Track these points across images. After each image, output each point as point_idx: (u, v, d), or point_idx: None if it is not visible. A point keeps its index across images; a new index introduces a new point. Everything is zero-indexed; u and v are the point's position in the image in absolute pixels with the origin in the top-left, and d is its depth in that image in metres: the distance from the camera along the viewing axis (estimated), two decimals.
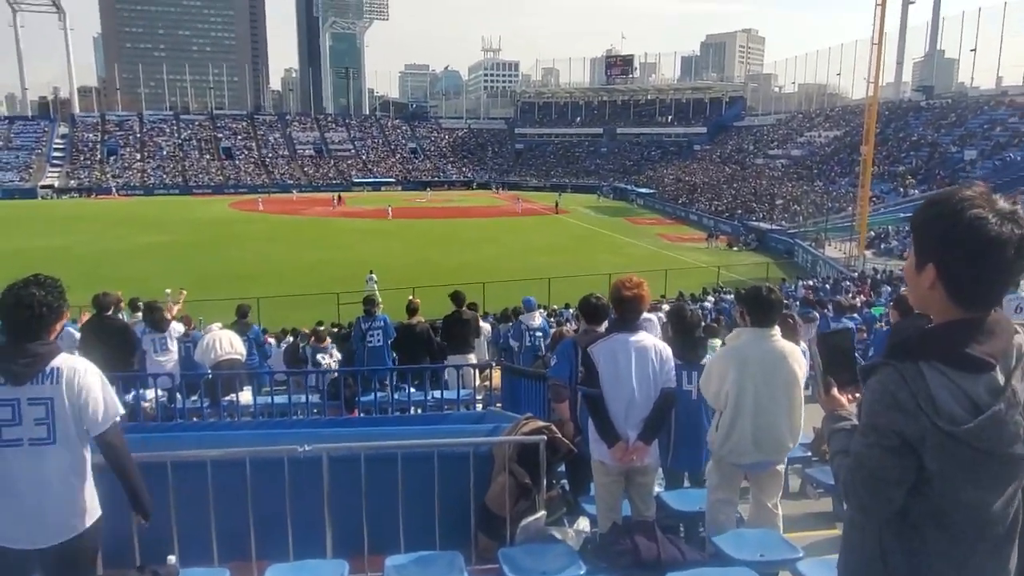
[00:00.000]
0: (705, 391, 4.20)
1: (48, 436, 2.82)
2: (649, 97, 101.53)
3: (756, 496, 4.30)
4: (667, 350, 4.19)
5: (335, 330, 16.04)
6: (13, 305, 2.83)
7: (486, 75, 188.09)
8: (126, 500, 3.14)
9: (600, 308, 4.85)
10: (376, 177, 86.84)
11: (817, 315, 12.42)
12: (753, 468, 4.17)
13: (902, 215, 41.00)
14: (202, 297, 19.92)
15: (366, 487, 3.86)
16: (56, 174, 77.51)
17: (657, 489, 4.73)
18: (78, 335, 8.00)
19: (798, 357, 4.15)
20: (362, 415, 7.46)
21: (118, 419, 3.01)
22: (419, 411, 7.78)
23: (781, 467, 4.31)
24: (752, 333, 4.10)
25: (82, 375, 2.88)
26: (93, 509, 3.02)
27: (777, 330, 4.15)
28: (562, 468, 4.96)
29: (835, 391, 1.94)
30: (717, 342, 6.94)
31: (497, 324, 14.17)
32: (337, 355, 10.54)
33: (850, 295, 19.89)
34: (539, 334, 9.97)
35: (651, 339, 4.19)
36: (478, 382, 9.03)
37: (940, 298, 1.64)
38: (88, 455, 2.98)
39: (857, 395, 1.87)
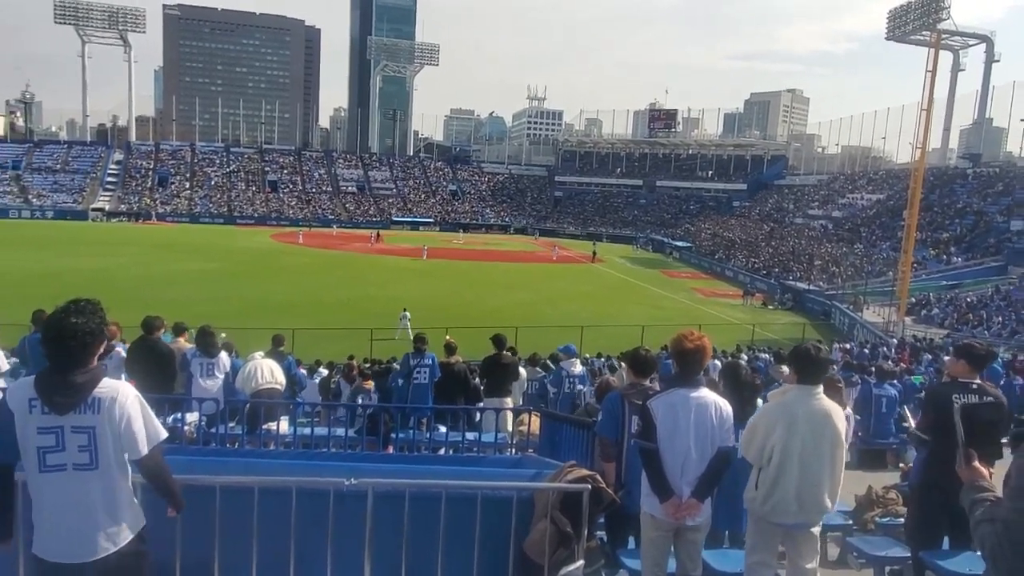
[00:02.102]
0: (747, 446, 4.14)
1: (91, 462, 2.90)
2: (690, 151, 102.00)
3: (793, 559, 4.21)
4: (727, 408, 4.15)
5: (367, 366, 16.15)
6: (56, 335, 2.88)
7: (530, 122, 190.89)
8: (170, 523, 3.26)
9: (649, 362, 4.86)
10: (415, 217, 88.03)
11: (858, 379, 12.21)
12: (794, 528, 4.10)
13: (944, 282, 40.30)
14: (239, 325, 20.25)
15: (408, 525, 3.85)
16: (107, 198, 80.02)
17: None
18: (124, 355, 8.18)
19: (842, 417, 4.14)
20: (396, 452, 7.47)
21: (159, 444, 3.07)
22: (451, 451, 7.77)
23: (817, 529, 4.25)
24: (799, 390, 4.08)
25: (123, 403, 2.94)
26: (136, 522, 3.10)
27: (821, 388, 4.14)
28: (600, 520, 4.91)
29: (976, 463, 1.93)
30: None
31: (525, 368, 14.15)
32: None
33: (889, 361, 19.49)
34: (578, 380, 9.93)
35: (712, 396, 4.15)
36: (511, 427, 9.00)
37: None
38: (128, 475, 3.07)
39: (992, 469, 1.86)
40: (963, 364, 4.59)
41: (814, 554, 4.22)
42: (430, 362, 9.28)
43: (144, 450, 2.98)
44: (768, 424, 4.04)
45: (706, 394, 4.12)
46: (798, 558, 4.17)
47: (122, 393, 2.97)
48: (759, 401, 6.75)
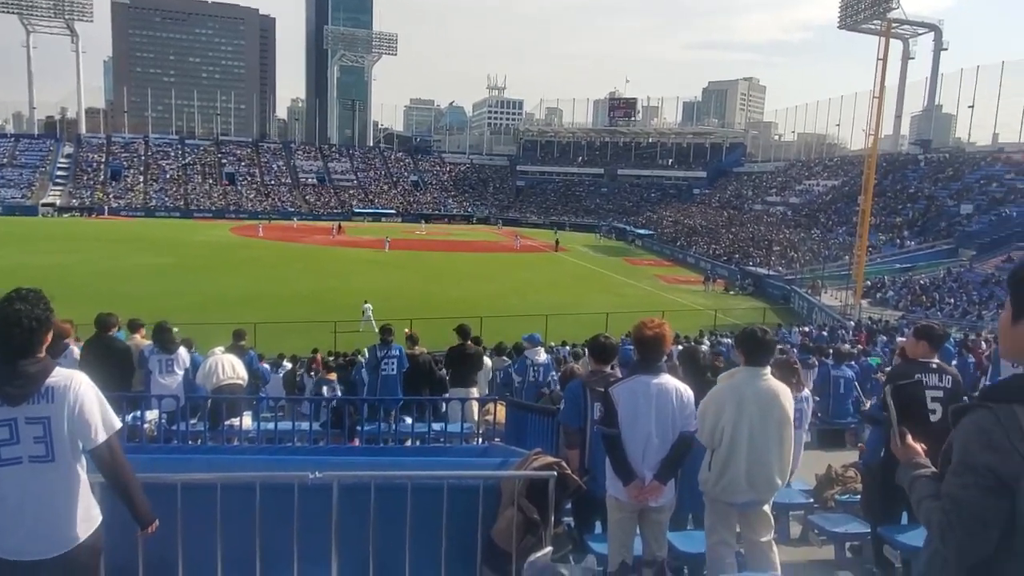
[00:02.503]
0: (699, 429, 4.22)
1: (47, 454, 2.84)
2: (651, 140, 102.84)
3: (748, 536, 4.32)
4: (688, 393, 4.23)
5: (331, 359, 16.01)
6: (2, 324, 2.81)
7: (490, 112, 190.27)
8: (131, 520, 3.14)
9: (608, 348, 4.90)
10: (377, 208, 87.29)
11: (816, 361, 12.47)
12: (745, 507, 4.21)
13: (898, 265, 41.36)
14: (199, 320, 19.91)
15: (374, 516, 3.84)
16: (58, 193, 77.81)
17: None
18: (78, 354, 7.98)
19: (789, 397, 4.25)
20: (363, 444, 7.43)
21: (114, 433, 3.00)
22: (418, 442, 7.75)
23: (768, 506, 4.36)
24: (747, 372, 4.19)
25: (76, 390, 2.89)
26: (92, 519, 3.03)
27: (769, 369, 4.24)
28: (568, 506, 4.95)
29: (910, 440, 1.98)
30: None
31: (491, 358, 14.16)
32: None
33: (846, 343, 19.94)
34: (544, 370, 9.97)
35: (673, 382, 4.22)
36: (477, 416, 9.02)
37: None
38: (85, 468, 2.99)
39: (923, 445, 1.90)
40: (923, 345, 4.72)
41: (768, 529, 4.34)
42: (397, 353, 9.24)
43: (99, 438, 2.91)
44: (718, 405, 4.13)
45: (667, 380, 4.19)
46: (753, 534, 4.28)
47: (75, 380, 2.92)
48: None
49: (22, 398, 2.80)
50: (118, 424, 3.05)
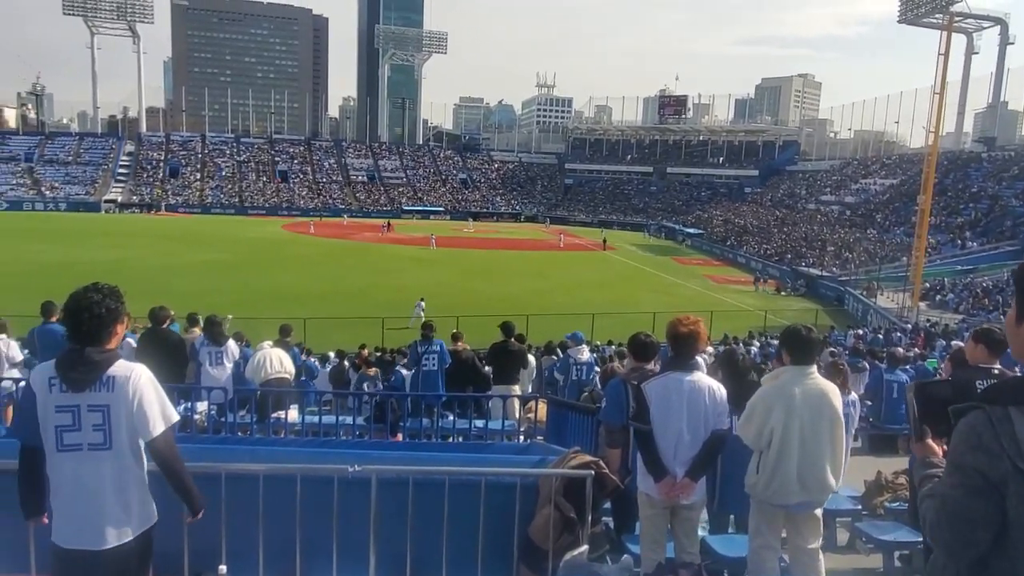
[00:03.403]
0: (744, 431, 4.14)
1: (104, 442, 2.93)
2: (701, 138, 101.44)
3: (795, 541, 4.21)
4: (722, 391, 4.18)
5: (379, 354, 16.20)
6: (74, 309, 2.94)
7: (539, 110, 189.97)
8: (178, 510, 3.22)
9: (649, 346, 4.85)
10: (426, 206, 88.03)
11: (866, 365, 12.13)
12: (797, 508, 4.10)
13: (959, 267, 39.96)
14: (250, 315, 20.38)
15: (412, 511, 3.88)
16: (119, 189, 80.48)
17: (702, 532, 4.66)
18: (135, 345, 8.24)
19: (838, 395, 4.15)
20: (406, 440, 7.50)
21: (171, 426, 3.08)
22: (461, 439, 7.80)
23: (820, 511, 4.24)
24: (793, 371, 4.10)
25: (136, 382, 2.97)
26: (147, 516, 3.10)
27: (815, 368, 4.14)
28: (607, 505, 4.92)
29: (929, 440, 1.95)
30: None
31: (540, 357, 14.14)
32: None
33: (903, 347, 19.36)
34: (585, 368, 9.93)
35: (707, 380, 4.19)
36: (519, 414, 9.02)
37: None
38: (144, 461, 3.07)
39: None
40: (982, 349, 4.54)
41: (817, 535, 4.23)
42: (438, 349, 9.30)
43: (156, 430, 2.99)
44: (765, 407, 4.04)
45: (700, 378, 4.15)
46: (800, 539, 4.18)
47: (136, 372, 3.00)
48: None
49: (85, 384, 2.90)
50: (176, 417, 3.15)
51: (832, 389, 4.12)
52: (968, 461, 1.62)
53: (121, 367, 2.98)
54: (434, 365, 9.14)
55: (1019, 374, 1.90)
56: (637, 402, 4.15)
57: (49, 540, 2.99)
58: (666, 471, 4.02)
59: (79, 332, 2.95)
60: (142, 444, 3.03)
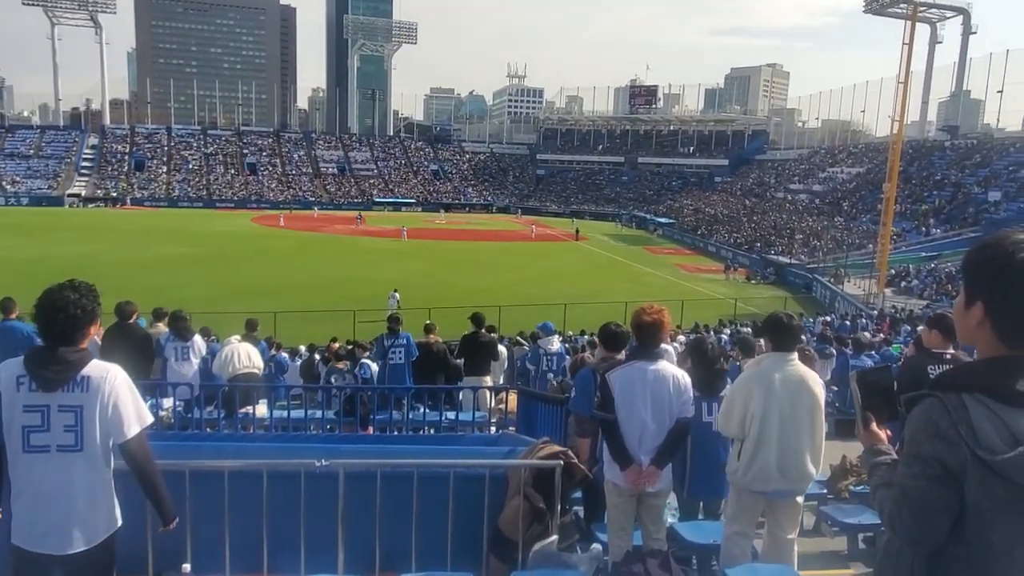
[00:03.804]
0: (726, 418, 4.15)
1: (76, 443, 2.84)
2: (672, 128, 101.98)
3: (772, 529, 4.24)
4: (686, 380, 4.21)
5: (349, 347, 16.09)
6: (48, 308, 2.85)
7: (510, 100, 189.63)
8: (141, 508, 3.16)
9: (619, 335, 4.87)
10: (397, 197, 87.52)
11: (833, 351, 12.32)
12: (776, 496, 4.12)
13: (923, 254, 40.73)
14: (219, 310, 20.12)
15: (381, 504, 3.86)
16: (83, 183, 78.86)
17: (671, 520, 4.70)
18: (99, 341, 8.08)
19: (819, 382, 4.17)
20: (376, 432, 7.47)
21: (145, 428, 3.00)
22: (432, 431, 7.79)
23: (800, 498, 4.26)
24: (774, 357, 4.13)
25: (112, 382, 2.89)
26: (114, 519, 3.03)
27: (796, 355, 4.17)
28: (577, 494, 4.94)
29: (874, 426, 1.97)
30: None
31: (511, 348, 14.16)
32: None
33: (868, 333, 19.70)
34: (556, 359, 9.96)
35: (671, 368, 4.21)
36: (492, 404, 9.02)
37: (987, 335, 1.69)
38: (111, 463, 3.00)
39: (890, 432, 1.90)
40: (936, 334, 4.61)
41: (795, 524, 4.25)
42: (405, 342, 9.27)
43: (130, 432, 2.91)
44: (745, 393, 4.06)
45: (664, 366, 4.17)
46: (777, 528, 4.20)
47: (112, 373, 2.93)
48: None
49: (57, 384, 2.81)
50: (150, 419, 3.06)
51: (812, 376, 4.15)
52: (926, 450, 1.63)
53: (96, 367, 2.90)
54: (400, 358, 9.11)
55: (972, 359, 1.92)
56: (601, 391, 4.17)
57: (9, 542, 2.89)
58: (631, 459, 4.04)
59: (52, 332, 2.86)
60: (111, 446, 2.95)
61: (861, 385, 2.04)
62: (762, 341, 4.63)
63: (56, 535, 2.86)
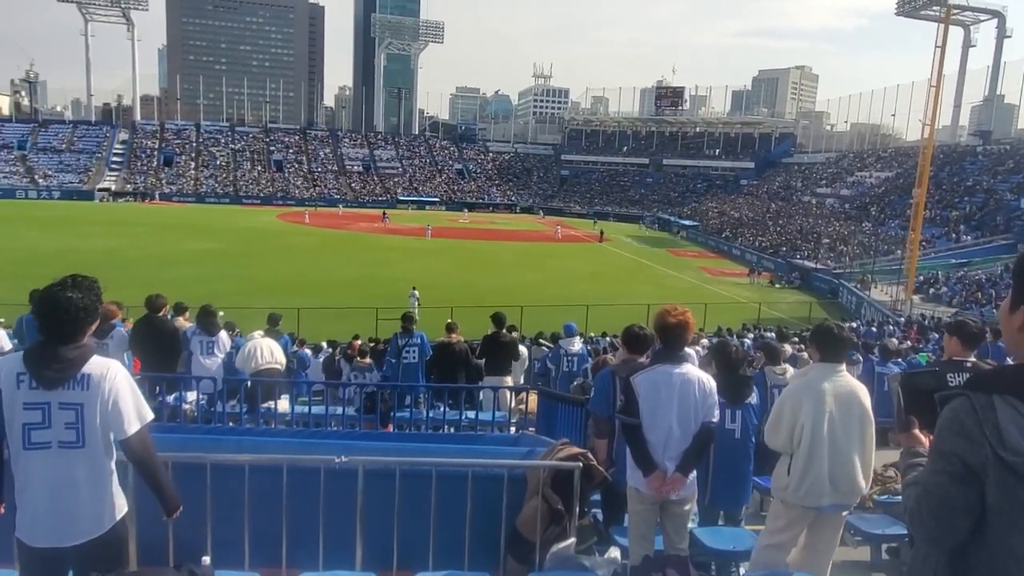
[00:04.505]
0: (774, 431, 4.03)
1: (77, 440, 2.86)
2: (698, 129, 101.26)
3: (813, 543, 4.12)
4: (711, 383, 4.12)
5: (372, 345, 16.17)
6: (50, 308, 2.84)
7: (536, 101, 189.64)
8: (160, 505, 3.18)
9: (642, 338, 4.82)
10: (421, 196, 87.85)
11: (859, 357, 12.14)
12: (828, 510, 4.01)
13: (953, 261, 40.05)
14: (244, 305, 20.32)
15: (399, 502, 3.86)
16: (113, 178, 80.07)
17: (691, 525, 4.65)
18: (126, 334, 8.20)
19: (867, 394, 4.07)
20: (396, 430, 7.49)
21: (145, 424, 3.01)
22: (452, 430, 7.79)
23: (847, 513, 4.16)
24: (822, 368, 4.04)
25: (112, 379, 2.90)
26: (120, 506, 3.07)
27: (844, 366, 4.08)
28: (596, 496, 4.91)
29: (915, 430, 1.95)
30: (785, 368, 6.76)
31: (530, 348, 14.14)
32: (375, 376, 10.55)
33: (895, 339, 19.40)
34: (578, 360, 9.92)
35: (696, 372, 4.12)
36: (513, 405, 9.01)
37: None
38: (114, 456, 3.02)
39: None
40: (955, 341, 4.52)
41: (837, 538, 4.15)
42: (419, 341, 9.28)
43: (131, 429, 2.93)
44: (794, 404, 3.95)
45: (690, 370, 4.08)
46: (820, 542, 4.10)
47: (111, 370, 2.93)
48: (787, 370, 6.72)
49: (58, 382, 2.82)
50: (150, 415, 3.07)
51: (862, 388, 4.05)
52: (949, 447, 1.63)
53: (96, 364, 2.91)
54: (414, 358, 9.11)
55: (994, 365, 1.89)
56: (625, 395, 4.08)
57: (13, 535, 2.93)
58: (655, 465, 3.94)
59: (53, 330, 2.87)
60: (113, 439, 2.97)
61: (905, 388, 2.02)
62: (803, 352, 4.55)
63: (61, 529, 2.89)
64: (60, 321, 2.84)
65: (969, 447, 1.58)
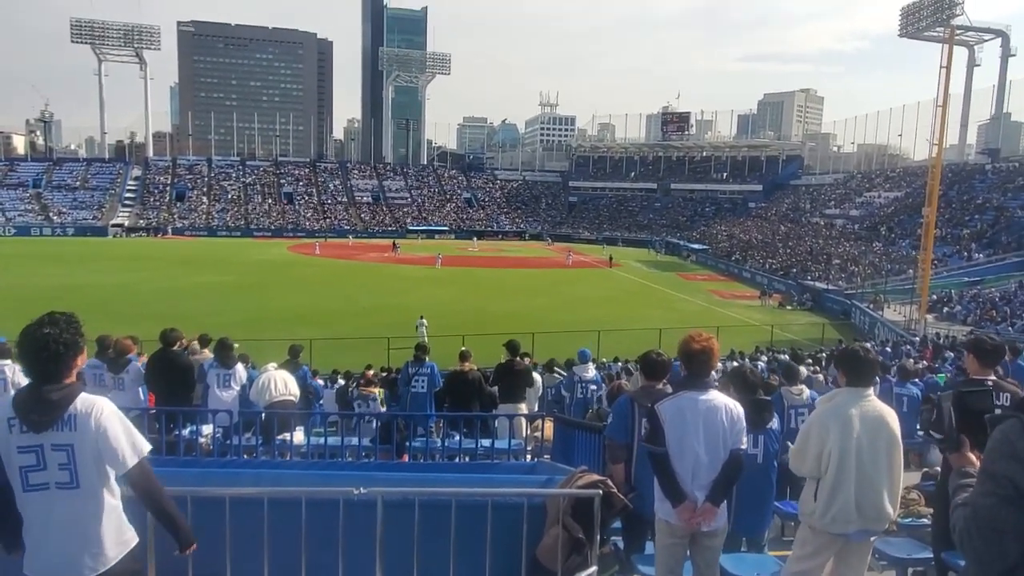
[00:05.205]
0: (800, 457, 3.97)
1: (71, 481, 2.86)
2: (704, 154, 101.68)
3: (841, 570, 4.04)
4: (738, 409, 4.05)
5: (384, 374, 16.16)
6: (30, 348, 2.85)
7: (543, 129, 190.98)
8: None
9: (661, 364, 4.79)
10: (430, 225, 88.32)
11: (877, 379, 12.03)
12: (855, 537, 3.95)
13: (965, 279, 39.79)
14: (257, 336, 20.38)
15: (418, 533, 3.83)
16: (126, 214, 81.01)
17: None
18: (141, 368, 8.24)
19: (896, 418, 4.01)
20: (411, 460, 7.46)
21: (144, 457, 2.99)
22: (467, 459, 7.75)
23: (874, 539, 4.09)
24: (849, 393, 3.97)
25: (98, 417, 2.89)
26: (127, 540, 3.05)
27: (872, 390, 4.03)
28: (617, 524, 4.86)
29: (966, 449, 1.93)
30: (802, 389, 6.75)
31: (542, 375, 14.10)
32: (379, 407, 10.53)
33: (911, 360, 19.21)
34: (592, 386, 9.88)
35: (722, 398, 4.05)
36: (528, 432, 8.96)
37: None
38: (115, 492, 3.01)
39: None
40: (972, 360, 4.47)
41: (865, 565, 4.08)
42: (428, 371, 9.28)
43: (129, 463, 2.92)
44: (821, 430, 3.89)
45: (716, 396, 4.02)
46: (847, 569, 4.02)
47: (97, 407, 2.92)
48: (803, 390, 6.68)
49: (45, 425, 2.82)
50: (147, 447, 3.05)
51: (890, 413, 3.98)
52: (1000, 469, 1.60)
53: (83, 402, 2.90)
54: (423, 387, 9.11)
55: (1015, 385, 1.87)
56: (651, 423, 4.01)
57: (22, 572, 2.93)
58: (685, 496, 3.86)
59: (35, 371, 2.87)
60: (112, 474, 2.96)
61: (958, 407, 1.99)
62: (819, 374, 4.52)
63: (66, 566, 2.89)
64: (41, 360, 2.84)
65: (1021, 470, 1.57)
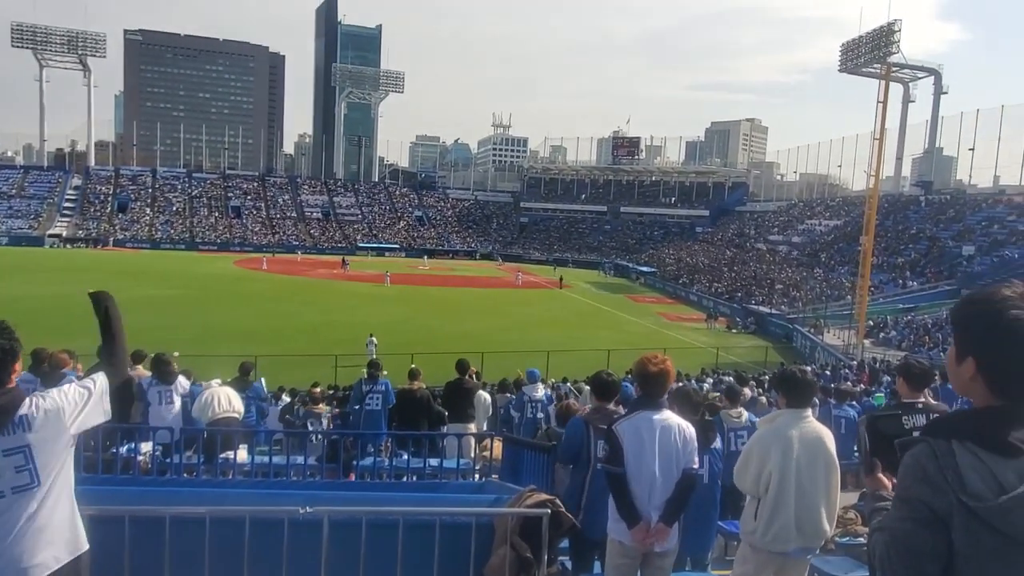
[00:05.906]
0: (742, 475, 4.06)
1: (32, 480, 2.79)
2: (654, 178, 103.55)
3: None
4: (690, 429, 4.13)
5: (331, 392, 15.94)
6: None
7: (495, 149, 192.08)
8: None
9: (611, 385, 4.85)
10: (381, 243, 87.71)
11: (817, 401, 12.35)
12: (794, 555, 4.04)
13: (901, 305, 41.27)
14: (201, 352, 19.88)
15: (365, 552, 3.79)
16: (65, 224, 78.41)
17: None
18: (79, 377, 7.96)
19: (832, 439, 4.12)
20: (358, 479, 7.36)
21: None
22: (415, 478, 7.68)
23: (811, 557, 4.19)
24: (789, 414, 4.07)
25: (49, 398, 2.88)
26: (80, 542, 2.98)
27: (810, 411, 4.14)
28: (565, 544, 4.87)
29: (879, 472, 1.98)
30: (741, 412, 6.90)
31: (494, 395, 14.08)
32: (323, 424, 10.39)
33: (849, 382, 19.80)
34: (540, 406, 9.91)
35: (675, 418, 4.13)
36: (476, 452, 8.93)
37: (981, 388, 1.71)
38: (72, 495, 2.95)
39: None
40: (902, 383, 4.65)
41: None
42: (383, 388, 9.21)
43: (97, 379, 3.06)
44: (762, 450, 3.98)
45: (669, 416, 4.10)
46: None
47: (47, 398, 2.89)
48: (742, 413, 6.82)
49: None
50: (106, 383, 3.16)
51: (827, 433, 4.09)
52: (914, 493, 1.65)
53: (32, 401, 2.85)
54: (378, 405, 9.03)
55: (945, 407, 1.95)
56: (609, 444, 4.05)
57: None
58: (639, 516, 3.90)
59: None
60: (72, 475, 2.94)
61: (870, 431, 2.07)
62: (762, 396, 4.63)
63: (21, 568, 2.78)
64: None
65: (933, 493, 1.61)
